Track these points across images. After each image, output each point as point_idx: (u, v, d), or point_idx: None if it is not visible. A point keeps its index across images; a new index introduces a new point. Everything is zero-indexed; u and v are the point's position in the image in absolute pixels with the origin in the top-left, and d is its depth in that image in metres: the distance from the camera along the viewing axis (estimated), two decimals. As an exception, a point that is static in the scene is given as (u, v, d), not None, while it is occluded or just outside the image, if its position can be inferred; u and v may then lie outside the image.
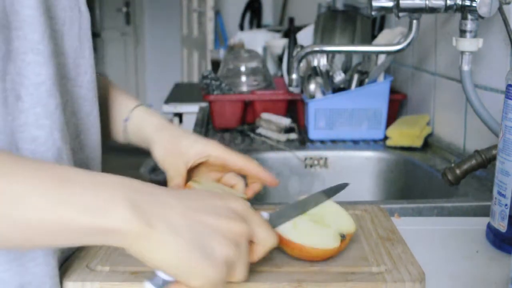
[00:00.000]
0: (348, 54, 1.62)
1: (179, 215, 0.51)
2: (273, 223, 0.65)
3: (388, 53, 1.36)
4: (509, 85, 0.72)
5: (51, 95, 0.60)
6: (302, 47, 1.52)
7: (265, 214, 0.64)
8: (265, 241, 0.57)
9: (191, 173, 0.80)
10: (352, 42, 1.72)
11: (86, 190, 0.48)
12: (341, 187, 0.74)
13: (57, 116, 0.61)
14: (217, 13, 4.77)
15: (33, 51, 0.58)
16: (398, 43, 1.22)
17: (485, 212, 0.84)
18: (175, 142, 0.78)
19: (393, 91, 1.56)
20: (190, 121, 2.10)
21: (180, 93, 2.55)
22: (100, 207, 0.48)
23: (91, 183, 0.49)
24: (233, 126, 1.67)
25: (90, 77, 0.70)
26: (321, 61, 1.49)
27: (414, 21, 1.15)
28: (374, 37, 1.71)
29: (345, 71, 1.58)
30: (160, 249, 0.49)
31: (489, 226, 0.78)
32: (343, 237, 0.67)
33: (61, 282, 0.63)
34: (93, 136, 0.72)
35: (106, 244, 0.50)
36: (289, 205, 0.70)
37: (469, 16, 1.04)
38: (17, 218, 0.47)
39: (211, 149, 0.78)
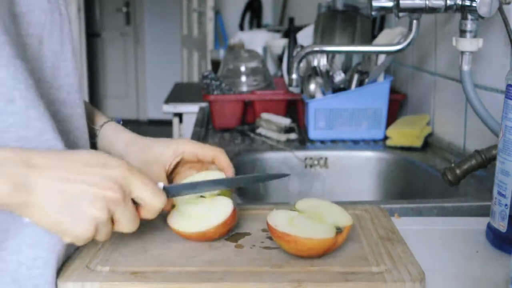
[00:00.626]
0: (348, 54, 1.62)
1: (52, 182, 0.57)
2: (171, 191, 0.70)
3: (388, 53, 1.37)
4: (509, 85, 0.72)
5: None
6: (302, 47, 1.52)
7: (160, 184, 0.67)
8: (148, 201, 0.63)
9: (171, 177, 0.82)
10: (352, 42, 1.72)
11: None
12: (275, 176, 0.79)
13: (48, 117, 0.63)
14: (217, 13, 4.77)
15: None
16: (398, 43, 1.22)
17: (485, 212, 0.84)
18: (147, 151, 0.80)
19: (393, 91, 1.56)
20: (190, 121, 2.10)
21: (180, 93, 2.55)
22: None
23: None
24: (233, 126, 1.67)
25: (72, 80, 0.71)
26: (321, 61, 1.49)
27: (414, 21, 1.15)
28: (374, 37, 1.71)
29: (345, 71, 1.58)
30: (37, 212, 0.57)
31: (489, 226, 0.78)
32: (339, 229, 0.68)
33: (61, 283, 0.63)
34: (78, 138, 0.72)
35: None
36: (195, 182, 0.74)
37: (469, 16, 1.04)
38: None
39: (183, 146, 0.80)
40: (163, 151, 0.80)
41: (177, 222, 0.74)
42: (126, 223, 0.63)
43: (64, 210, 0.58)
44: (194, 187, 0.73)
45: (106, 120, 0.85)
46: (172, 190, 0.71)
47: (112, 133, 0.84)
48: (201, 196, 0.76)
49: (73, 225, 0.58)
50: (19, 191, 0.56)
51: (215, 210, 0.73)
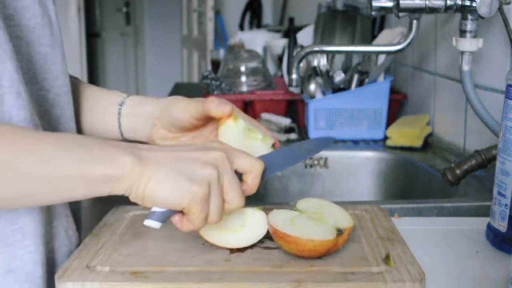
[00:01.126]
0: (348, 54, 1.62)
1: (163, 154, 0.62)
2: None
3: (388, 53, 1.36)
4: (509, 85, 0.72)
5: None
6: (302, 47, 1.52)
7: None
8: (251, 167, 0.66)
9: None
10: (352, 42, 1.72)
11: (96, 148, 0.59)
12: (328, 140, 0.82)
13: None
14: (217, 13, 4.77)
15: None
16: (398, 43, 1.22)
17: (485, 212, 0.84)
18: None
19: (393, 91, 1.56)
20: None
21: (180, 93, 2.53)
22: (109, 159, 0.59)
23: (99, 143, 0.60)
24: (233, 126, 1.67)
25: (62, 83, 0.71)
26: (321, 61, 1.49)
27: (414, 21, 1.15)
28: (374, 37, 1.71)
29: (345, 71, 1.58)
30: (151, 181, 0.60)
31: (489, 226, 0.78)
32: (339, 231, 0.68)
33: (61, 282, 0.63)
34: None
35: (115, 193, 0.60)
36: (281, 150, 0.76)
37: (469, 16, 1.04)
38: (46, 175, 0.57)
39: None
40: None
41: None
42: (234, 193, 0.64)
43: (176, 171, 0.61)
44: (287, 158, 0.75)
45: (129, 94, 0.84)
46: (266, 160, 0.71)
47: (141, 97, 0.83)
48: None
49: (187, 183, 0.60)
50: (138, 163, 0.60)
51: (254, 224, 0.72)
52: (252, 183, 0.66)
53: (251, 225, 0.71)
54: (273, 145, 0.76)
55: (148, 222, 0.63)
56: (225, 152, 0.64)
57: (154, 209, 0.63)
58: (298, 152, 0.77)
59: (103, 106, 0.83)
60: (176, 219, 0.64)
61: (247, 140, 0.74)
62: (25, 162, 0.55)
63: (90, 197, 0.61)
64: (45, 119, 0.69)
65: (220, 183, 0.63)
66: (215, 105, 0.73)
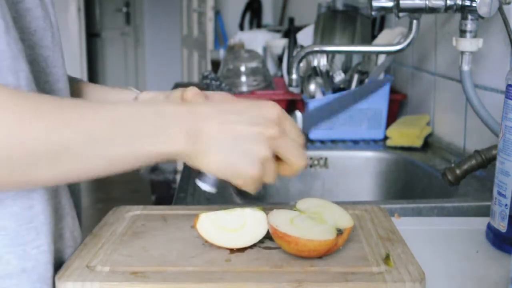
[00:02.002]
0: (348, 54, 1.62)
1: (218, 128, 0.62)
2: (306, 123, 0.75)
3: (388, 53, 1.36)
4: (509, 85, 0.72)
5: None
6: (302, 47, 1.53)
7: (299, 114, 0.74)
8: (295, 139, 0.66)
9: None
10: (352, 42, 1.72)
11: (150, 123, 0.60)
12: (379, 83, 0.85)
13: None
14: (217, 13, 4.77)
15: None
16: (398, 43, 1.22)
17: (485, 212, 0.84)
18: None
19: (393, 91, 1.56)
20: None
21: (180, 93, 2.54)
22: (163, 137, 0.60)
23: (153, 116, 0.61)
24: (233, 126, 1.67)
25: (62, 85, 0.71)
26: (321, 61, 1.49)
27: (414, 21, 1.15)
28: (374, 37, 1.71)
29: (345, 71, 1.58)
30: (208, 158, 0.62)
31: (489, 226, 0.78)
32: (339, 231, 0.68)
33: (61, 282, 0.63)
34: None
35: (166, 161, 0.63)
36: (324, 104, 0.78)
37: (469, 16, 1.04)
38: (102, 155, 0.58)
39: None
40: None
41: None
42: (291, 154, 0.65)
43: (232, 152, 0.62)
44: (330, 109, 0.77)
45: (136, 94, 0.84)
46: (307, 122, 0.75)
47: (153, 92, 0.84)
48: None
49: (241, 164, 0.62)
50: (191, 140, 0.61)
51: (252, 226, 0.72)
52: (291, 152, 0.66)
53: (251, 225, 0.71)
54: None
55: (205, 186, 0.67)
56: (278, 115, 0.65)
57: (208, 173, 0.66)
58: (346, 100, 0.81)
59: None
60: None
61: None
62: (81, 143, 0.57)
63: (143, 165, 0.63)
64: None
65: (274, 154, 0.64)
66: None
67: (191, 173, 1.15)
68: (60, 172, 0.58)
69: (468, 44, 1.05)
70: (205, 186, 0.67)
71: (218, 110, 0.64)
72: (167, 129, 0.60)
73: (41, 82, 0.68)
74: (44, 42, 0.68)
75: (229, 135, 0.62)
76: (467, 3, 1.03)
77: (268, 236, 0.73)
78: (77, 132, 0.56)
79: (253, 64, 1.82)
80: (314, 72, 1.56)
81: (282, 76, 2.05)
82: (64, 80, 0.72)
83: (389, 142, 1.43)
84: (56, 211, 0.67)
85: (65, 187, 0.69)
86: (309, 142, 1.50)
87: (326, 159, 1.41)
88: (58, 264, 0.68)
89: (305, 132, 0.74)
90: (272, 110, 0.65)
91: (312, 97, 1.56)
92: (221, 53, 2.80)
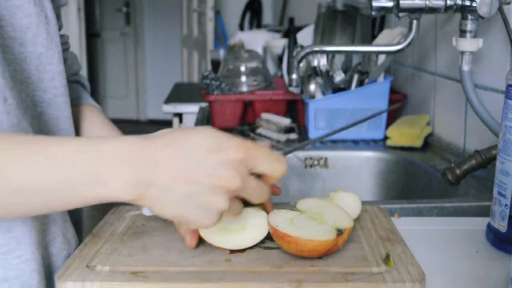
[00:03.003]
0: (348, 54, 1.62)
1: (169, 177, 0.57)
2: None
3: (388, 53, 1.37)
4: (509, 85, 0.72)
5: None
6: (302, 47, 1.52)
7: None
8: (269, 171, 0.62)
9: None
10: (352, 42, 1.72)
11: (93, 166, 0.56)
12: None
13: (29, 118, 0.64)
14: (217, 13, 4.77)
15: None
16: (398, 43, 1.22)
17: (485, 212, 0.84)
18: None
19: (393, 91, 1.56)
20: (190, 121, 2.10)
21: (180, 93, 2.55)
22: (103, 181, 0.56)
23: (97, 158, 0.57)
24: (233, 126, 1.67)
25: (58, 83, 0.70)
26: (321, 61, 1.49)
27: (414, 21, 1.15)
28: (374, 37, 1.71)
29: (345, 71, 1.58)
30: (156, 205, 0.58)
31: (489, 226, 0.78)
32: (339, 231, 0.68)
33: (61, 282, 0.63)
34: None
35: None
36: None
37: (469, 16, 1.04)
38: (39, 191, 0.55)
39: None
40: None
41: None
42: (255, 198, 0.62)
43: (185, 203, 0.58)
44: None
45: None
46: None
47: None
48: None
49: (196, 216, 0.58)
50: (137, 188, 0.57)
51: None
52: (272, 182, 0.64)
53: (252, 226, 0.71)
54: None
55: (146, 212, 0.65)
56: (240, 159, 0.58)
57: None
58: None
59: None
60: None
61: None
62: (19, 178, 0.55)
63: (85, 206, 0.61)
64: (42, 119, 0.69)
65: (233, 198, 0.60)
66: None
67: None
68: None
69: (468, 44, 1.05)
70: (148, 212, 0.65)
71: (176, 156, 0.57)
72: (112, 174, 0.56)
73: (35, 80, 0.67)
74: (37, 39, 0.67)
75: (183, 186, 0.57)
76: (467, 3, 1.03)
77: (268, 236, 0.73)
78: (13, 163, 0.55)
79: (253, 64, 1.82)
80: (314, 72, 1.56)
81: (282, 76, 2.05)
82: (61, 78, 0.71)
83: (389, 142, 1.43)
84: (43, 218, 0.66)
85: None
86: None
87: (326, 159, 1.41)
88: (50, 269, 0.68)
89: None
90: (235, 153, 0.58)
91: (312, 97, 1.56)
92: (221, 53, 2.80)
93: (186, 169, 0.57)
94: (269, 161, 0.61)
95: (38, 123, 0.68)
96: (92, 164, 0.56)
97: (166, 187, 0.57)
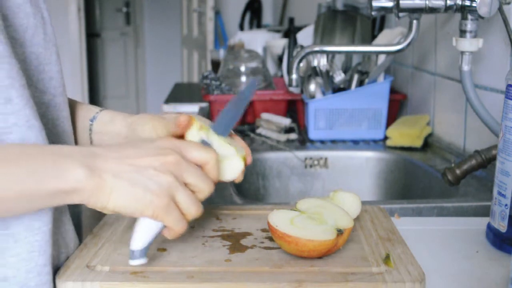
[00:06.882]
0: (348, 54, 1.62)
1: (119, 164, 0.61)
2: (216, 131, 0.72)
3: (388, 53, 1.36)
4: (509, 85, 0.72)
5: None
6: (302, 47, 1.52)
7: (203, 136, 0.70)
8: (205, 159, 0.65)
9: None
10: (352, 42, 1.72)
11: (47, 159, 0.58)
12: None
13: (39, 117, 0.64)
14: (217, 13, 4.77)
15: None
16: (398, 43, 1.22)
17: (485, 212, 0.84)
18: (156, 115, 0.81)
19: (393, 91, 1.56)
20: (190, 121, 2.09)
21: (180, 93, 2.55)
22: (60, 173, 0.58)
23: (51, 152, 0.59)
24: (233, 126, 1.67)
25: (57, 83, 0.70)
26: (321, 61, 1.49)
27: (414, 21, 1.15)
28: (374, 37, 1.71)
29: (345, 71, 1.58)
30: (111, 194, 0.60)
31: (489, 226, 0.78)
32: (339, 231, 0.68)
33: (61, 282, 0.63)
34: (64, 140, 0.72)
35: (68, 203, 0.60)
36: (225, 111, 0.75)
37: (469, 16, 1.04)
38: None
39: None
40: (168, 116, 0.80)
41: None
42: (201, 183, 0.64)
43: (135, 185, 0.60)
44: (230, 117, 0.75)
45: (102, 108, 0.86)
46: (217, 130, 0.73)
47: (113, 113, 0.84)
48: None
49: (147, 196, 0.60)
50: (92, 176, 0.59)
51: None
52: (211, 174, 0.66)
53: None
54: (244, 158, 0.73)
55: (134, 262, 0.64)
56: (177, 151, 0.64)
57: (132, 247, 0.63)
58: (240, 104, 0.78)
59: (77, 122, 0.83)
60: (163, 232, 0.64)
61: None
62: None
63: (47, 207, 0.61)
64: (42, 121, 0.69)
65: (182, 182, 0.63)
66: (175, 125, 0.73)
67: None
68: None
69: (468, 44, 1.05)
70: (137, 262, 0.64)
71: (113, 148, 0.63)
72: (65, 165, 0.58)
73: (34, 81, 0.67)
74: (36, 39, 0.67)
75: (129, 169, 0.61)
76: (467, 3, 1.03)
77: (268, 236, 0.73)
78: None
79: (253, 64, 1.82)
80: (314, 72, 1.56)
81: (282, 76, 2.05)
82: (59, 77, 0.71)
83: (389, 142, 1.43)
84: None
85: None
86: (309, 142, 1.50)
87: (326, 159, 1.41)
88: (47, 271, 0.67)
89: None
90: (166, 141, 0.65)
91: (312, 97, 1.56)
92: (221, 53, 2.80)
93: (128, 154, 0.62)
94: (199, 150, 0.66)
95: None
96: (52, 156, 0.59)
97: (115, 171, 0.60)
